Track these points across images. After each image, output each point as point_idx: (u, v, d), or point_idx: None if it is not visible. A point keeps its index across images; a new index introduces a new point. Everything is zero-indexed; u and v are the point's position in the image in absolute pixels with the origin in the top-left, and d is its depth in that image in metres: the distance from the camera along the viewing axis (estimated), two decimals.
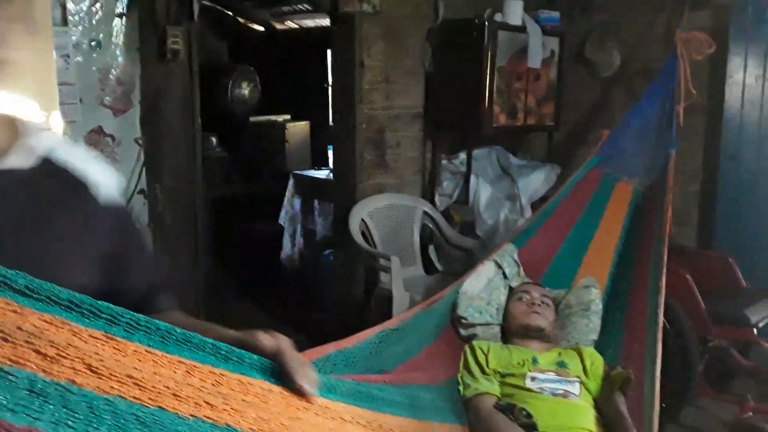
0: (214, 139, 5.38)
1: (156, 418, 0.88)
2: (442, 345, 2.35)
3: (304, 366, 1.06)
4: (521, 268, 2.65)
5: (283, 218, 4.71)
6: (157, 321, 0.95)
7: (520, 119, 3.94)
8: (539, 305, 2.37)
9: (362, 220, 3.62)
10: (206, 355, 1.01)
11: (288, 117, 5.94)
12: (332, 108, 3.95)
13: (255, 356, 1.12)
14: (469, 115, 3.77)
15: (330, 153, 4.67)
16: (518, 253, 2.69)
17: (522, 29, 3.80)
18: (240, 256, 5.20)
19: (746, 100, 3.68)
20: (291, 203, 4.68)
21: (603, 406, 2.06)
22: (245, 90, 5.78)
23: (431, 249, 3.84)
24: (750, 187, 3.66)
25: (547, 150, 4.33)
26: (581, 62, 4.29)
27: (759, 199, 3.64)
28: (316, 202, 4.61)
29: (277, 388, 1.16)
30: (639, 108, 3.10)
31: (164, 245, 3.04)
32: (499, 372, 2.15)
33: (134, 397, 0.87)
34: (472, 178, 3.81)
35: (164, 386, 0.91)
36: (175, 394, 0.93)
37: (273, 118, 5.91)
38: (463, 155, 3.96)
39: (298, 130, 5.79)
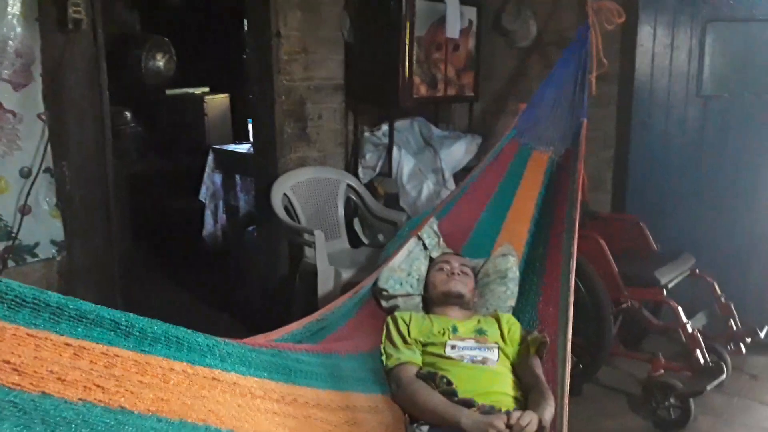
0: (128, 114, 5.18)
1: (38, 404, 0.84)
2: (365, 316, 2.36)
3: None
4: (441, 239, 2.68)
5: (203, 194, 4.59)
6: (49, 294, 0.90)
7: (441, 90, 3.95)
8: (458, 274, 2.41)
9: (285, 194, 3.56)
10: (103, 332, 0.97)
11: (206, 89, 5.78)
12: (250, 80, 3.84)
13: (158, 328, 1.08)
14: (390, 86, 3.74)
15: (250, 126, 4.58)
16: (438, 225, 2.72)
17: None
18: (160, 235, 5.06)
19: (656, 68, 3.80)
20: (211, 179, 4.57)
21: (520, 369, 2.13)
22: (160, 62, 5.58)
23: (356, 222, 3.83)
24: (659, 152, 3.80)
25: (468, 120, 4.36)
26: (499, 32, 4.32)
27: (668, 163, 3.79)
28: (237, 177, 4.52)
29: (179, 366, 1.12)
30: (552, 78, 3.13)
31: (74, 226, 2.91)
32: (420, 341, 2.18)
33: (13, 383, 0.82)
34: (395, 149, 3.80)
35: (48, 371, 0.87)
36: (60, 379, 0.89)
37: (191, 90, 5.74)
38: (385, 127, 3.94)
39: (217, 103, 5.65)
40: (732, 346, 3.14)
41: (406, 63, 3.70)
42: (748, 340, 3.10)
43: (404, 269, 2.50)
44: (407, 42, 3.67)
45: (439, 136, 4.09)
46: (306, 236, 3.40)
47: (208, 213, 4.58)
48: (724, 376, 2.84)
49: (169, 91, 5.63)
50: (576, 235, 2.31)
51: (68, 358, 0.90)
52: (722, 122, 3.64)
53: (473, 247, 2.74)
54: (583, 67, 3.06)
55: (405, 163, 3.78)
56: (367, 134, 3.98)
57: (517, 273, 2.54)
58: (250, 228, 4.41)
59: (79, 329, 0.92)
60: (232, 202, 4.57)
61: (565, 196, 2.62)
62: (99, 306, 0.97)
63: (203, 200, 4.59)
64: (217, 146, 4.67)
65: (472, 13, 4.06)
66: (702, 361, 2.83)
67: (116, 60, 3.16)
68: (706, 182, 3.68)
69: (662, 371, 2.93)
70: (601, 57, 3.15)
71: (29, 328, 0.85)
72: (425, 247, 2.60)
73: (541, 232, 2.68)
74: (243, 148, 4.56)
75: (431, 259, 2.57)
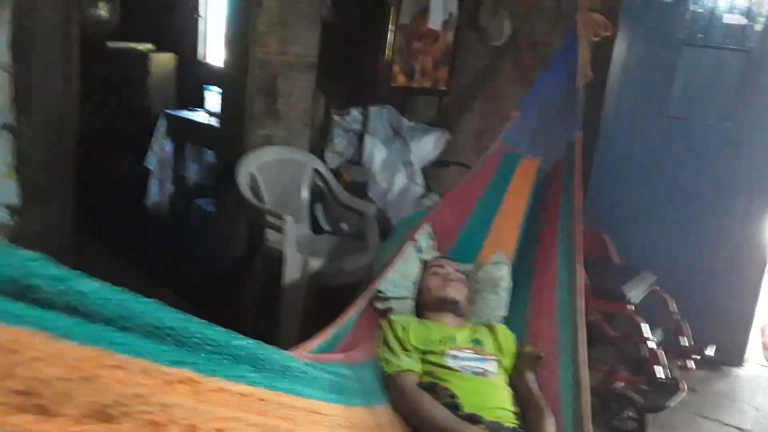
0: None
1: None
2: (363, 321, 2.27)
3: None
4: (434, 242, 2.62)
5: (150, 161, 4.30)
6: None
7: (417, 80, 3.88)
8: (454, 280, 2.36)
9: (251, 173, 3.39)
10: (235, 365, 0.84)
11: (151, 46, 5.40)
12: (226, 48, 3.61)
13: (269, 354, 0.95)
14: (368, 70, 3.64)
15: (206, 94, 4.33)
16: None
17: None
18: (95, 201, 4.70)
19: (627, 83, 3.87)
20: (161, 146, 4.28)
21: (515, 383, 2.11)
22: (102, 10, 5.17)
23: (318, 208, 3.71)
24: (623, 166, 3.89)
25: (435, 114, 4.31)
26: (474, 28, 4.28)
27: (629, 178, 3.89)
28: (188, 146, 4.26)
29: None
30: (541, 86, 3.12)
31: (33, 193, 2.63)
32: (419, 349, 2.12)
33: None
34: (367, 137, 3.70)
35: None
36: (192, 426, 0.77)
37: (134, 45, 5.34)
38: (355, 112, 3.83)
39: (162, 62, 5.29)
40: (681, 362, 3.28)
41: (387, 50, 3.61)
42: (697, 357, 3.24)
43: (399, 271, 2.43)
44: (392, 28, 3.56)
45: (408, 127, 4.02)
46: (270, 219, 3.25)
47: (155, 181, 4.31)
48: (684, 393, 2.95)
49: (111, 44, 5.21)
50: (578, 251, 2.31)
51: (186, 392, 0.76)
52: (685, 144, 3.76)
53: (459, 252, 2.69)
54: (573, 77, 3.06)
55: (377, 153, 3.69)
56: (336, 118, 3.85)
57: (510, 283, 2.52)
58: (199, 201, 4.19)
59: (224, 363, 0.79)
60: (180, 172, 4.31)
61: (557, 208, 2.62)
62: (227, 331, 0.83)
63: (150, 167, 4.30)
64: (170, 111, 4.38)
65: (453, 5, 4.00)
66: (662, 377, 2.93)
67: None
68: (666, 200, 3.80)
69: (622, 384, 3.02)
70: (587, 69, 3.17)
71: (201, 373, 0.72)
72: (420, 251, 2.54)
73: (530, 243, 2.66)
74: (199, 116, 4.29)
75: (424, 263, 2.51)
